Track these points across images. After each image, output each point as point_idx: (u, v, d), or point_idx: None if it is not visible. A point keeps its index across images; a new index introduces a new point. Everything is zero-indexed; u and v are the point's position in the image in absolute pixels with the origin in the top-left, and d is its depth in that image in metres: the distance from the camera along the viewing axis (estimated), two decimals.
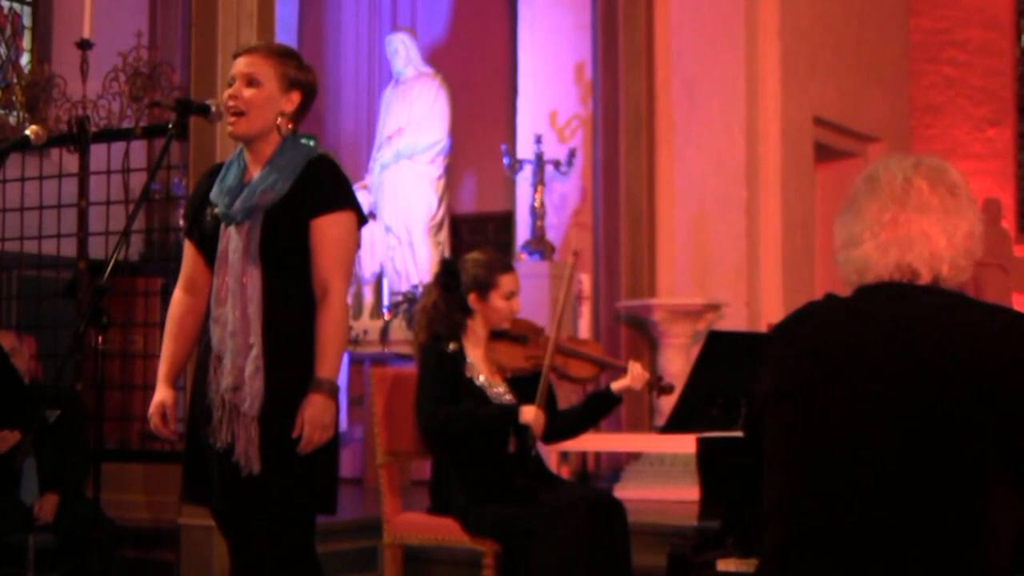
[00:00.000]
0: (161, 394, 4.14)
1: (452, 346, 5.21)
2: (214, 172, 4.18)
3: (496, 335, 5.28)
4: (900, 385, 2.39)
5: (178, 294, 4.20)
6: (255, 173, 4.04)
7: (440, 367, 5.16)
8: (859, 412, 2.41)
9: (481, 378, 5.21)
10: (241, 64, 4.04)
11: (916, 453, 2.36)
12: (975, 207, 2.56)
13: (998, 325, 2.42)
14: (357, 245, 4.11)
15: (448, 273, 5.30)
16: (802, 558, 2.42)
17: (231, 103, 4.01)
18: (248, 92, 4.00)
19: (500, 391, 5.23)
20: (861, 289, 2.54)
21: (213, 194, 4.07)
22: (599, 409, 5.35)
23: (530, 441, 5.13)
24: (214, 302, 4.03)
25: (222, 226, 4.03)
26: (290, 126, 4.07)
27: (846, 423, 2.42)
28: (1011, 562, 2.37)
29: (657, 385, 5.28)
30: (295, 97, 4.06)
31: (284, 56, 4.10)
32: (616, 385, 5.21)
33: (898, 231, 2.51)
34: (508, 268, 5.33)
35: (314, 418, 3.88)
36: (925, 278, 2.50)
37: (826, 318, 2.56)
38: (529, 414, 5.07)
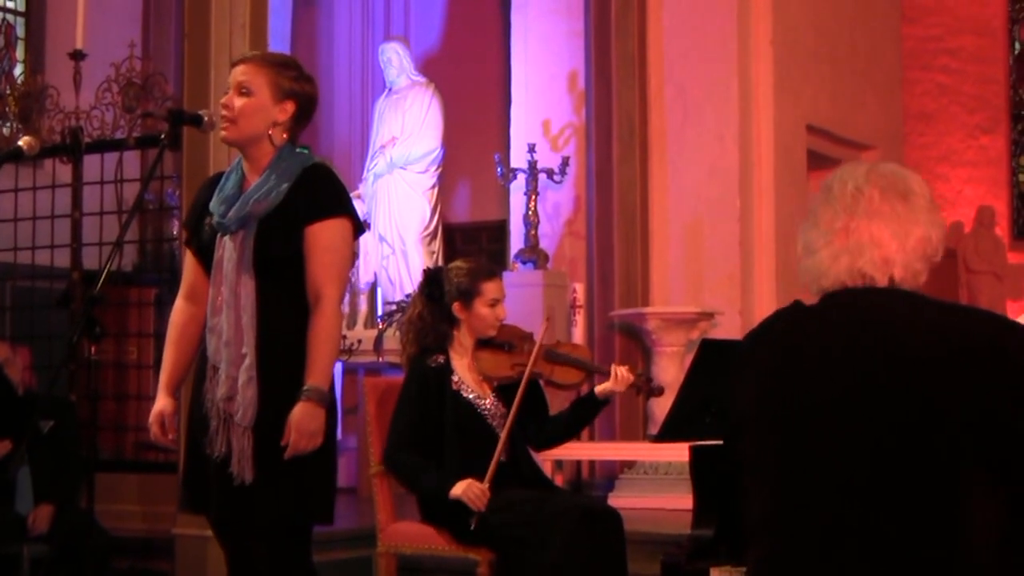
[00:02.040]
0: (161, 403, 4.13)
1: (439, 359, 5.20)
2: (214, 181, 4.18)
3: (483, 343, 5.27)
4: (873, 387, 2.42)
5: (179, 303, 4.20)
6: (252, 181, 4.04)
7: (422, 387, 5.14)
8: (836, 418, 2.44)
9: (468, 389, 5.19)
10: (236, 73, 4.05)
11: (895, 453, 2.39)
12: (933, 214, 2.59)
13: (964, 320, 2.46)
14: (352, 252, 4.09)
15: (432, 283, 5.27)
16: (794, 567, 2.44)
17: (223, 112, 4.02)
18: (240, 101, 4.01)
19: (487, 401, 5.21)
20: (825, 296, 2.58)
21: (211, 203, 4.07)
22: (585, 414, 5.34)
23: (472, 518, 4.92)
24: (210, 312, 4.02)
25: (218, 235, 4.03)
26: (284, 136, 4.06)
27: (825, 431, 2.45)
28: (997, 561, 2.40)
29: (647, 387, 5.25)
30: (289, 107, 4.05)
31: (280, 66, 4.09)
32: (600, 389, 5.19)
33: (848, 239, 2.56)
34: (492, 275, 5.30)
35: (300, 425, 3.87)
36: (880, 282, 2.55)
37: (793, 328, 2.60)
38: (458, 489, 4.93)
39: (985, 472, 2.38)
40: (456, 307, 5.21)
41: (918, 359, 2.41)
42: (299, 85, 4.08)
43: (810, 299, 2.65)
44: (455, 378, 5.18)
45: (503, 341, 5.27)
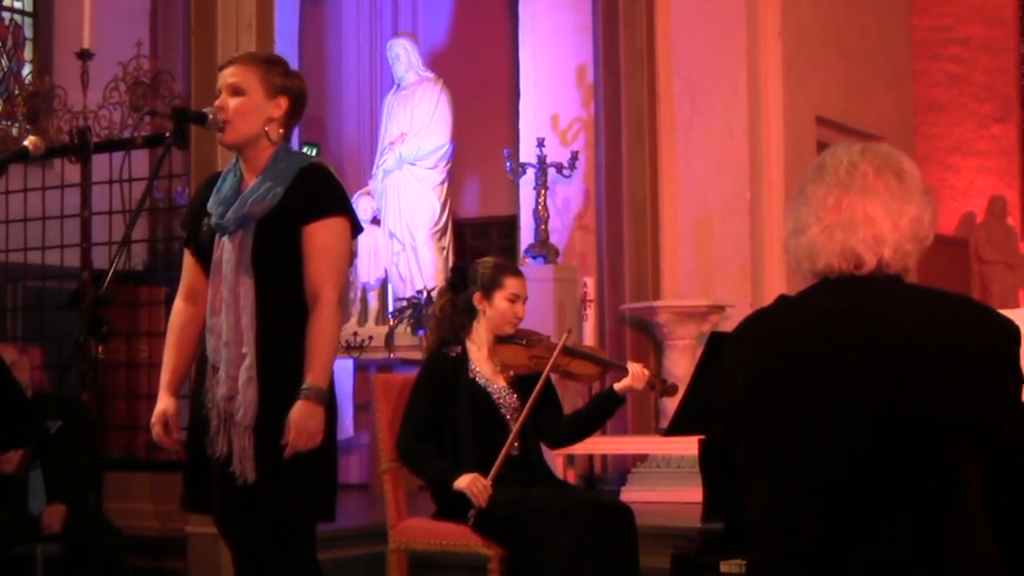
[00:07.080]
0: (163, 403, 4.15)
1: (456, 350, 5.22)
2: (212, 181, 4.18)
3: (501, 339, 5.29)
4: (861, 380, 2.40)
5: (179, 303, 4.21)
6: (250, 182, 4.04)
7: (437, 377, 5.18)
8: (827, 411, 2.42)
9: (483, 379, 5.22)
10: (226, 75, 4.05)
11: (889, 451, 2.37)
12: (926, 196, 2.55)
13: (946, 312, 2.42)
14: (350, 251, 4.10)
15: (458, 274, 5.36)
16: (792, 560, 2.43)
17: (219, 115, 4.01)
18: (234, 101, 4.01)
19: (502, 391, 5.23)
20: (813, 286, 2.55)
21: (209, 204, 4.08)
22: (604, 409, 5.33)
23: (470, 512, 4.96)
24: (209, 312, 4.04)
25: (216, 236, 4.03)
26: (281, 131, 4.06)
27: (816, 423, 2.43)
28: (992, 558, 2.39)
29: (661, 386, 5.28)
30: (282, 102, 4.05)
31: (268, 63, 4.10)
32: (618, 385, 5.21)
33: (841, 214, 2.51)
34: (516, 272, 5.36)
35: (300, 425, 3.88)
36: (869, 263, 2.50)
37: (781, 322, 2.57)
38: (463, 481, 4.96)
39: (975, 464, 2.36)
40: (477, 297, 5.25)
41: (903, 351, 2.38)
42: (289, 80, 4.09)
43: (796, 283, 2.62)
44: (471, 366, 5.22)
45: (522, 336, 5.31)
